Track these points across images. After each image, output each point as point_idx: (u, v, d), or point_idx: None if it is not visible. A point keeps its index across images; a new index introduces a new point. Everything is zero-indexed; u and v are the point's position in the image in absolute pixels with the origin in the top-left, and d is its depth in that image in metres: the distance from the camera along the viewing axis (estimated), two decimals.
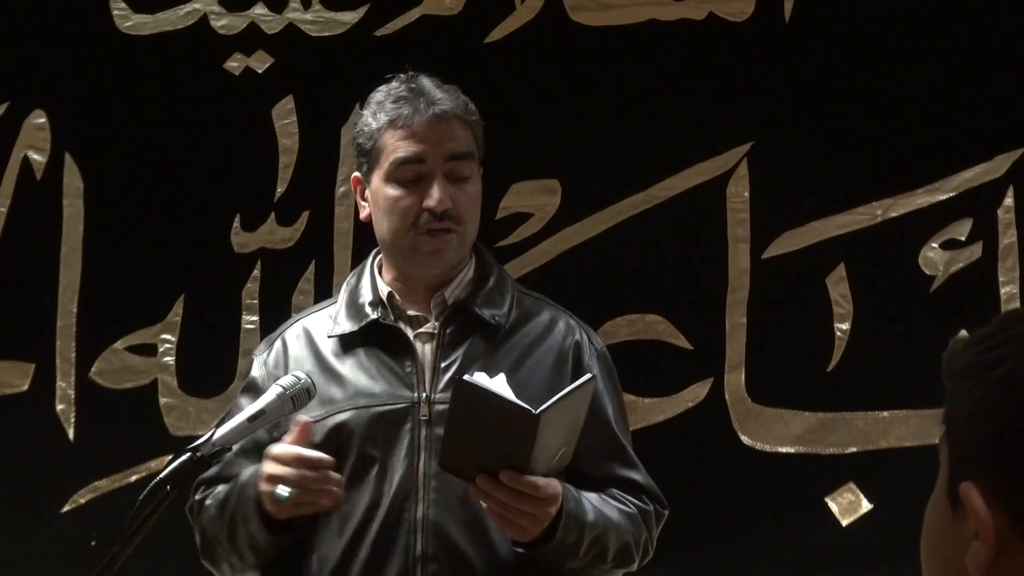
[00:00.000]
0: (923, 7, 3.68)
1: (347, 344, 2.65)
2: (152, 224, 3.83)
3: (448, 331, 2.63)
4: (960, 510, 1.09)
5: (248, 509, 2.53)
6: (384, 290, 2.67)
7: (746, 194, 3.71)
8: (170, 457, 2.49)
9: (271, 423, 2.44)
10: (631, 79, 3.75)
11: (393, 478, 2.56)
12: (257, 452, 2.60)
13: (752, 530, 3.62)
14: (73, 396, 3.81)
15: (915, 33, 3.68)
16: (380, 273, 2.71)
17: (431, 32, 3.79)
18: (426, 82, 2.67)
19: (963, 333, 1.23)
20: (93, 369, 3.81)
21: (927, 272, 3.65)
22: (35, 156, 3.87)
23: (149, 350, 3.81)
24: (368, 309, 2.65)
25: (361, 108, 3.78)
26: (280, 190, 3.82)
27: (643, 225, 3.72)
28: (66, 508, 3.77)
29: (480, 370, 2.52)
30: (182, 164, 3.83)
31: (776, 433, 3.66)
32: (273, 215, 3.82)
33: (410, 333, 2.64)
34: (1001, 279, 3.64)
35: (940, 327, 3.53)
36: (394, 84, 2.69)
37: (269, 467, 2.48)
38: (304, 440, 2.49)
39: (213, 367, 3.80)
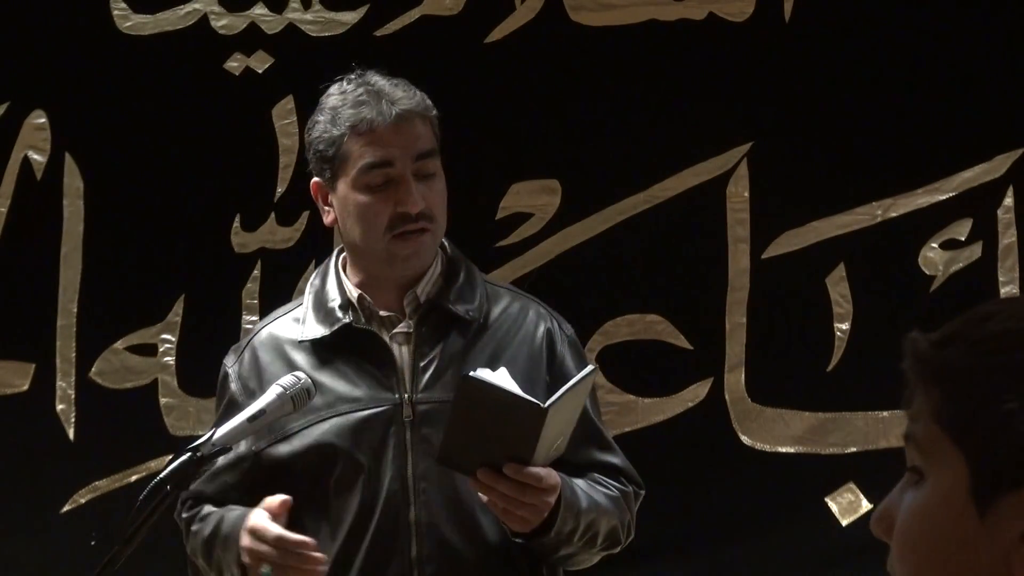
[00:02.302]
0: (923, 7, 3.68)
1: (321, 350, 2.62)
2: (152, 224, 3.83)
3: (423, 330, 2.61)
4: (991, 517, 1.06)
5: (232, 566, 2.54)
6: (354, 292, 2.63)
7: (746, 194, 3.71)
8: (170, 457, 2.49)
9: (270, 423, 2.44)
10: (631, 79, 3.75)
11: (383, 482, 2.55)
12: (236, 467, 2.62)
13: (752, 530, 3.62)
14: (73, 396, 3.81)
15: (915, 33, 3.68)
16: (345, 274, 2.68)
17: (431, 32, 3.79)
18: (380, 81, 2.63)
19: (915, 334, 1.18)
20: (93, 369, 3.81)
21: (927, 272, 3.65)
22: (35, 156, 3.87)
23: (149, 350, 3.81)
24: (339, 312, 2.61)
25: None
26: (280, 190, 3.82)
27: (643, 225, 3.72)
28: (66, 508, 3.77)
29: (460, 366, 2.53)
30: (182, 164, 3.83)
31: (776, 433, 3.66)
32: (273, 215, 3.82)
33: (385, 335, 2.61)
34: (1001, 279, 3.64)
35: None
36: (348, 86, 2.65)
37: (249, 542, 2.47)
38: (283, 515, 2.48)
39: (213, 367, 3.76)
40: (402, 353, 2.61)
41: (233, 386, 2.66)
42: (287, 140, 3.82)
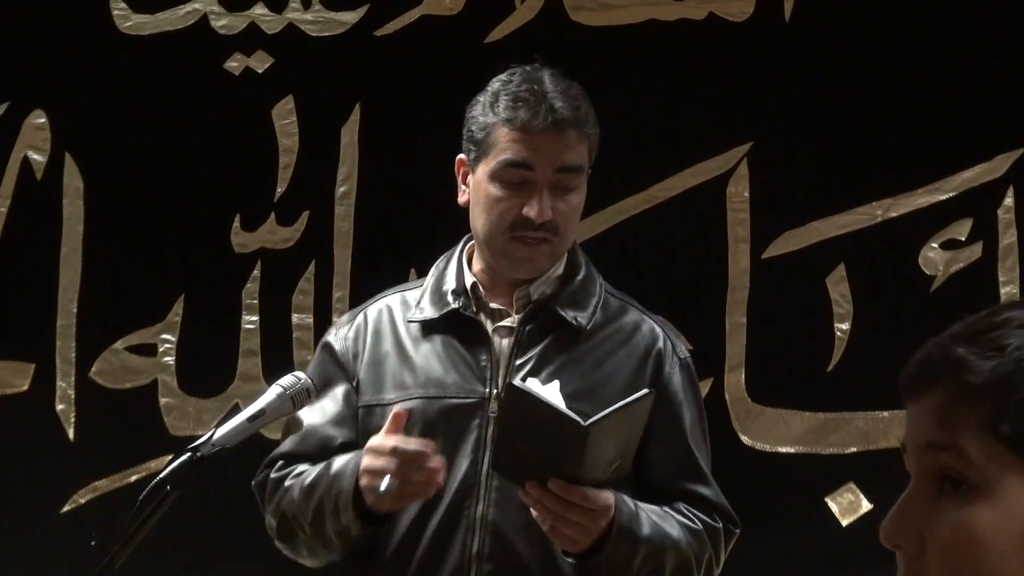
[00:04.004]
0: (923, 7, 3.69)
1: (426, 330, 2.60)
2: (152, 224, 3.83)
3: (527, 328, 2.57)
4: None
5: (341, 501, 2.47)
6: (469, 280, 2.61)
7: (746, 194, 3.71)
8: (170, 457, 2.49)
9: (270, 423, 2.43)
10: (631, 79, 3.75)
11: (456, 474, 2.51)
12: (342, 424, 2.59)
13: (752, 530, 3.61)
14: (73, 396, 3.81)
15: (915, 33, 3.68)
16: (468, 261, 2.65)
17: (431, 32, 3.79)
18: (549, 83, 2.59)
19: (943, 340, 1.16)
20: (93, 369, 3.81)
21: (927, 272, 3.65)
22: (35, 156, 3.87)
23: (149, 350, 3.81)
24: (450, 297, 2.59)
25: (362, 108, 3.81)
26: (280, 190, 3.82)
27: (643, 225, 3.72)
28: (66, 508, 3.77)
29: (557, 370, 2.47)
30: (182, 164, 3.84)
31: (776, 433, 3.66)
32: (273, 215, 3.82)
33: (489, 326, 2.59)
34: (1001, 279, 3.64)
35: (940, 327, 3.53)
36: (516, 78, 2.61)
37: (368, 460, 2.43)
38: (399, 430, 2.44)
39: (213, 367, 3.79)
40: (502, 347, 2.57)
41: (338, 346, 2.63)
42: (287, 140, 3.82)
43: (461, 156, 2.63)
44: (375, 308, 2.66)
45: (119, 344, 3.82)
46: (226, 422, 2.37)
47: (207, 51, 3.85)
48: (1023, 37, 3.66)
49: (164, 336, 3.81)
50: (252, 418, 2.35)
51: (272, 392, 2.40)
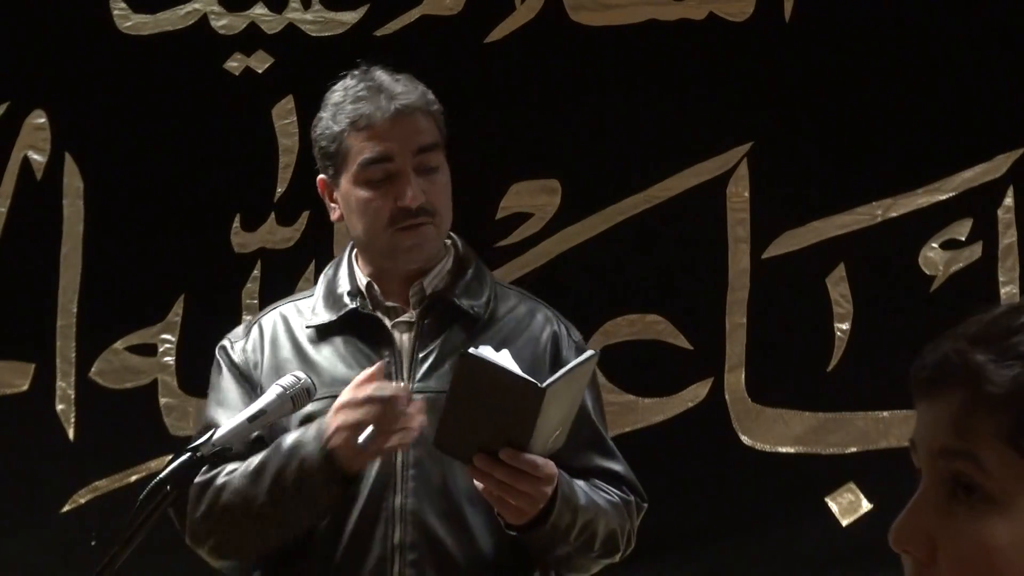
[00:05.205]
0: (923, 7, 3.69)
1: (325, 333, 2.63)
2: (152, 224, 3.83)
3: (426, 321, 2.62)
4: None
5: (308, 468, 2.45)
6: (363, 280, 2.65)
7: (746, 194, 3.71)
8: (170, 457, 2.49)
9: (271, 423, 2.44)
10: (631, 79, 3.75)
11: (372, 466, 2.54)
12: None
13: (752, 530, 3.62)
14: (73, 396, 3.81)
15: (915, 33, 3.68)
16: (358, 264, 2.69)
17: (431, 32, 3.79)
18: (382, 76, 2.64)
19: (959, 345, 1.13)
20: (93, 369, 3.81)
21: (927, 272, 3.66)
22: (35, 156, 3.87)
23: (149, 350, 3.81)
24: (347, 299, 2.63)
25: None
26: (280, 190, 3.82)
27: (643, 225, 3.73)
28: (66, 508, 3.77)
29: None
30: (182, 164, 3.84)
31: (776, 433, 3.66)
32: (273, 215, 3.82)
33: (388, 323, 2.63)
34: (1001, 279, 3.64)
35: (940, 327, 3.52)
36: (350, 82, 2.67)
37: (342, 416, 2.43)
38: (372, 380, 2.45)
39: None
40: (403, 342, 2.62)
41: (238, 358, 2.65)
42: (287, 140, 3.82)
43: (321, 177, 2.68)
44: (269, 319, 2.69)
45: (119, 344, 3.82)
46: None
47: (207, 51, 3.85)
48: (1023, 37, 3.66)
49: (164, 336, 3.81)
50: (252, 418, 2.36)
51: (272, 392, 2.40)
